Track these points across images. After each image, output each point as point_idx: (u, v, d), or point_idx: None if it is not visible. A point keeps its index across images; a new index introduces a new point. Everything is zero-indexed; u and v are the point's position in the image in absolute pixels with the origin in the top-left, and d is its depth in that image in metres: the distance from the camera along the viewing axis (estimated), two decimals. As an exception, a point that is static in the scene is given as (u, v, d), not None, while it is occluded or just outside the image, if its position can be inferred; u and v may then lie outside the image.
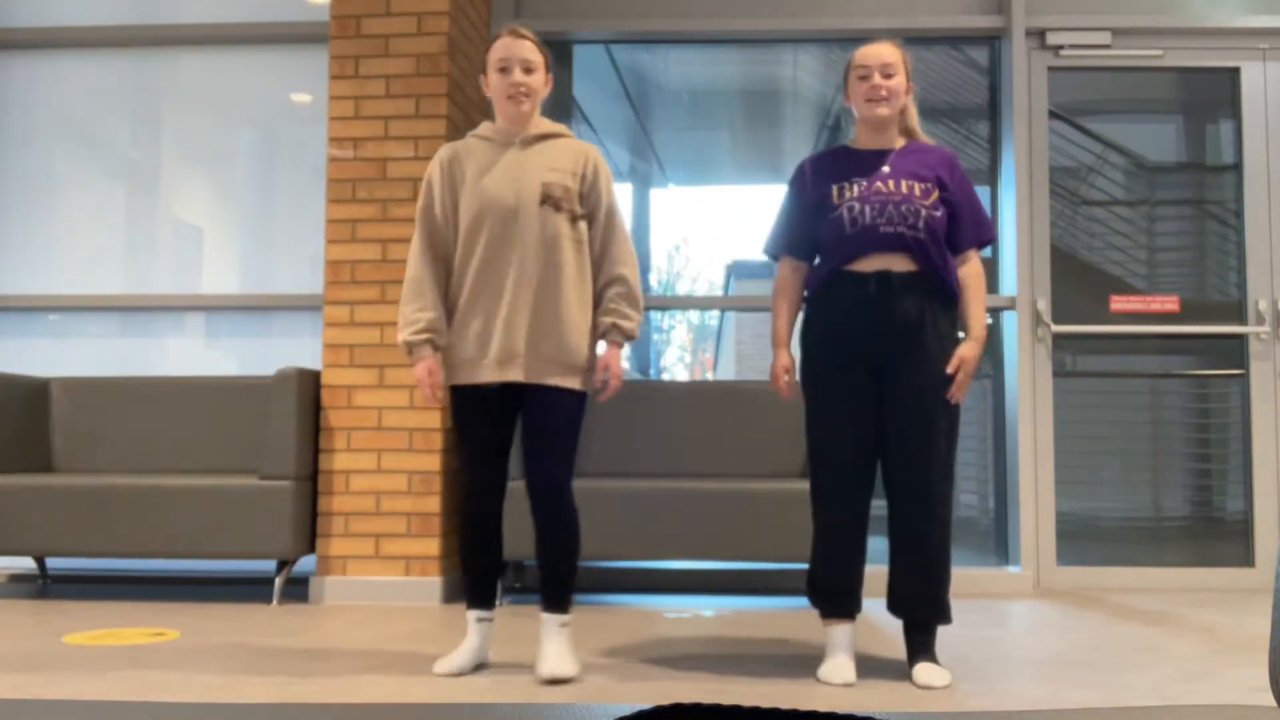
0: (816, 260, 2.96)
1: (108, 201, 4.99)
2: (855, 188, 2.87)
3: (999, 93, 4.91)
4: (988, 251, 4.87)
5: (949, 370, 2.82)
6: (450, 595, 4.18)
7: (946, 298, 2.88)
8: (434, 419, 4.11)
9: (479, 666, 2.92)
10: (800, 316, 3.00)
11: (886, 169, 2.88)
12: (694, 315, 6.44)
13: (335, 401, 4.16)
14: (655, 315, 5.56)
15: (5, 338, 4.96)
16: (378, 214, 4.20)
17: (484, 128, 2.94)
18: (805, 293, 2.98)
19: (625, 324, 2.89)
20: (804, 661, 3.03)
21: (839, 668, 2.80)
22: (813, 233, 2.94)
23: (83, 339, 4.92)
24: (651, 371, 5.49)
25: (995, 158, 4.91)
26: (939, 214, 2.84)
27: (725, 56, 5.04)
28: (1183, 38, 4.83)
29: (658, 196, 5.28)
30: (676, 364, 6.25)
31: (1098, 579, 4.65)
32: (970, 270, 2.93)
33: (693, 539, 4.00)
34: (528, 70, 2.86)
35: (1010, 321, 4.75)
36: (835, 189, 2.90)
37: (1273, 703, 2.37)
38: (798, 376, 2.96)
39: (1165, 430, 4.77)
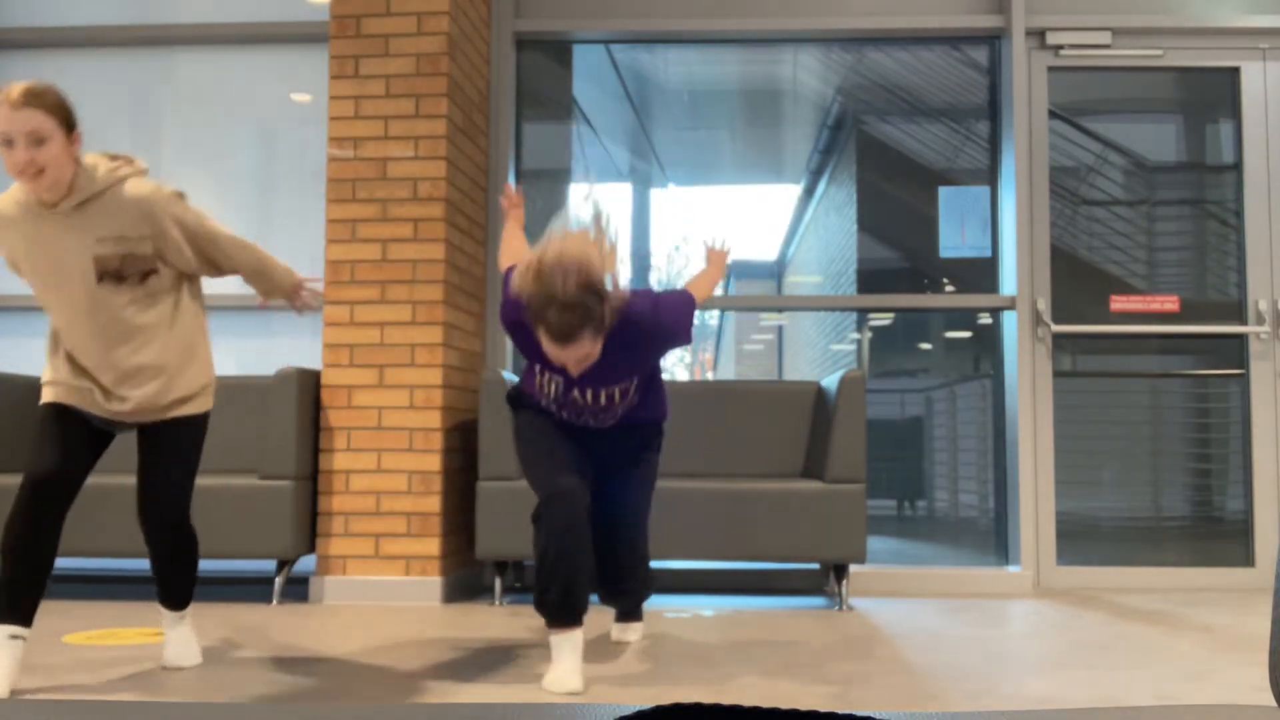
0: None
1: (108, 201, 4.98)
2: (552, 386, 2.83)
3: (999, 93, 4.90)
4: (988, 250, 4.87)
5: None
6: (450, 595, 4.18)
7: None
8: (434, 419, 4.11)
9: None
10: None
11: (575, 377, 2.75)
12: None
13: (335, 401, 4.16)
14: (655, 315, 5.56)
15: (5, 338, 4.95)
16: (378, 214, 4.20)
17: (16, 190, 2.61)
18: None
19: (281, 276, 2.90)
20: (804, 661, 3.03)
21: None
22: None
23: (83, 339, 4.92)
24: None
25: (995, 158, 4.90)
26: (635, 389, 2.90)
27: (725, 56, 5.04)
28: (1183, 38, 4.83)
29: (658, 196, 5.28)
30: (677, 364, 6.24)
31: (1098, 579, 4.65)
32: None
33: (692, 539, 4.00)
34: (37, 142, 2.44)
35: (1010, 321, 4.75)
36: (538, 367, 2.84)
37: (1273, 703, 2.36)
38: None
39: (1165, 430, 4.77)
